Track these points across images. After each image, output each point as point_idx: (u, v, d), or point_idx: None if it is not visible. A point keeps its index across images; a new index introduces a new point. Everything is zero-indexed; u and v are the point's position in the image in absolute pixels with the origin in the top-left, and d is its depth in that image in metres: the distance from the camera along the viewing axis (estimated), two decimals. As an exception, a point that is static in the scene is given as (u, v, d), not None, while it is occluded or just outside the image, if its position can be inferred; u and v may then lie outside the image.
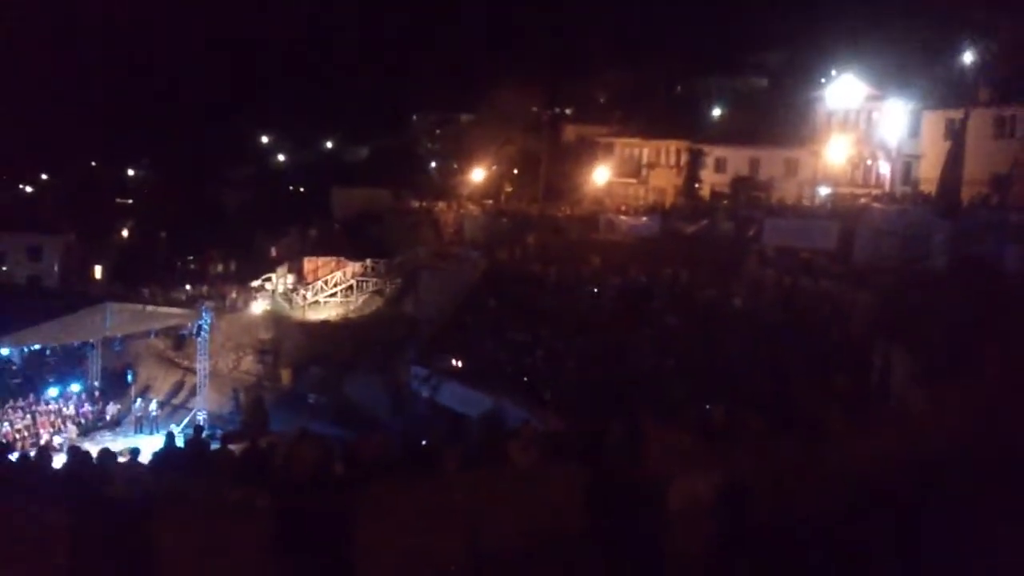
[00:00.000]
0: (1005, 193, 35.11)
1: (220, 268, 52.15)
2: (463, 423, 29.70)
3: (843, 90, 50.16)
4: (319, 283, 48.94)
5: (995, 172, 36.85)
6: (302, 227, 58.01)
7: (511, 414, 26.87)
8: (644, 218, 46.68)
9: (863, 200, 42.72)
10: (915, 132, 45.46)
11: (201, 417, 34.54)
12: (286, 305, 47.56)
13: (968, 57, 45.73)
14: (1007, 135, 39.24)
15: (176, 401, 39.86)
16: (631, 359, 31.15)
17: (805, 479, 10.07)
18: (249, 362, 43.04)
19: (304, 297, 48.02)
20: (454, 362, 35.88)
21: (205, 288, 48.42)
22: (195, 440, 14.63)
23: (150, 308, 37.74)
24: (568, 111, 71.97)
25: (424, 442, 12.41)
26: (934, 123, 43.47)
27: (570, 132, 67.89)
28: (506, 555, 8.66)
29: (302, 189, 74.94)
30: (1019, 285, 23.70)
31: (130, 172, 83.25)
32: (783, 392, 21.02)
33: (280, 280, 49.80)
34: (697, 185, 54.99)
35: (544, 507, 9.14)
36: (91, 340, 36.72)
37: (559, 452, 10.61)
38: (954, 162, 32.58)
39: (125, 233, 68.67)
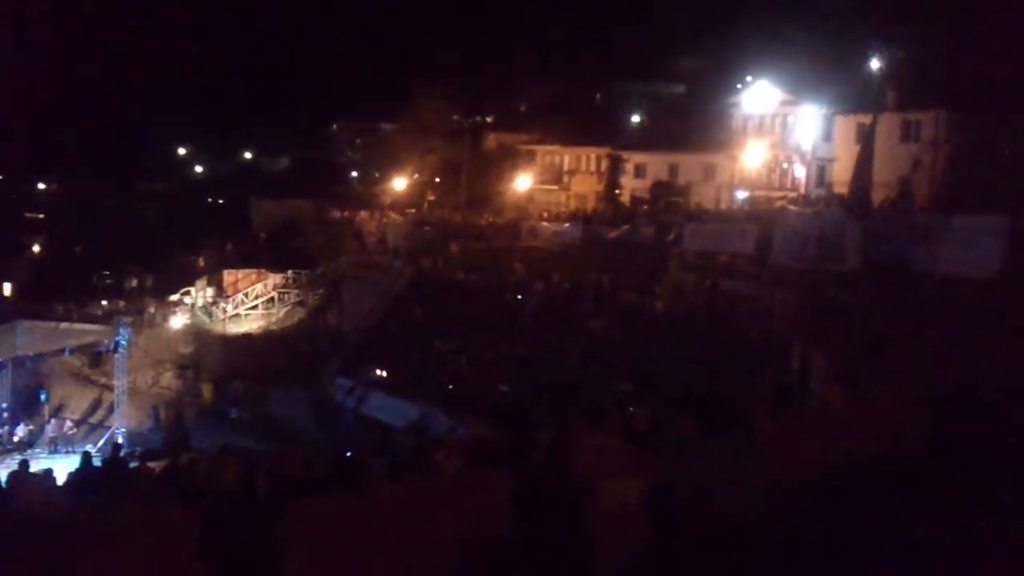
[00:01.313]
0: (910, 195, 36.22)
1: (137, 283, 50.92)
2: (389, 434, 29.46)
3: (758, 96, 51.16)
4: (240, 296, 48.17)
5: (902, 175, 38.00)
6: (222, 239, 57.09)
7: (437, 423, 26.73)
8: (566, 224, 47.00)
9: (779, 203, 43.65)
10: (828, 136, 46.62)
11: (119, 435, 33.66)
12: (206, 319, 46.71)
13: (876, 63, 47.07)
14: (912, 139, 40.51)
15: (93, 420, 38.74)
16: (556, 365, 31.29)
17: (731, 479, 10.20)
18: (169, 378, 42.10)
19: (224, 310, 47.21)
20: (379, 372, 35.62)
21: (122, 303, 47.24)
22: (113, 459, 14.30)
23: (64, 325, 36.66)
24: (489, 119, 72.22)
25: (349, 454, 12.31)
26: (846, 127, 44.66)
27: (491, 140, 68.15)
28: (436, 565, 8.60)
29: (221, 201, 73.70)
30: (926, 285, 24.39)
31: (40, 186, 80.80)
32: (708, 393, 21.30)
33: (200, 293, 48.88)
34: (618, 191, 55.58)
35: (473, 515, 9.09)
36: (0, 360, 35.49)
37: (486, 460, 10.60)
38: (864, 165, 33.40)
39: (36, 248, 66.66)
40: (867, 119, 40.11)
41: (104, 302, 47.12)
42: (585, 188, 59.72)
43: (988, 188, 30.80)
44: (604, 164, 57.90)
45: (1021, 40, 38.45)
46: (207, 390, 41.00)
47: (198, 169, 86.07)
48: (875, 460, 10.78)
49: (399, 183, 65.11)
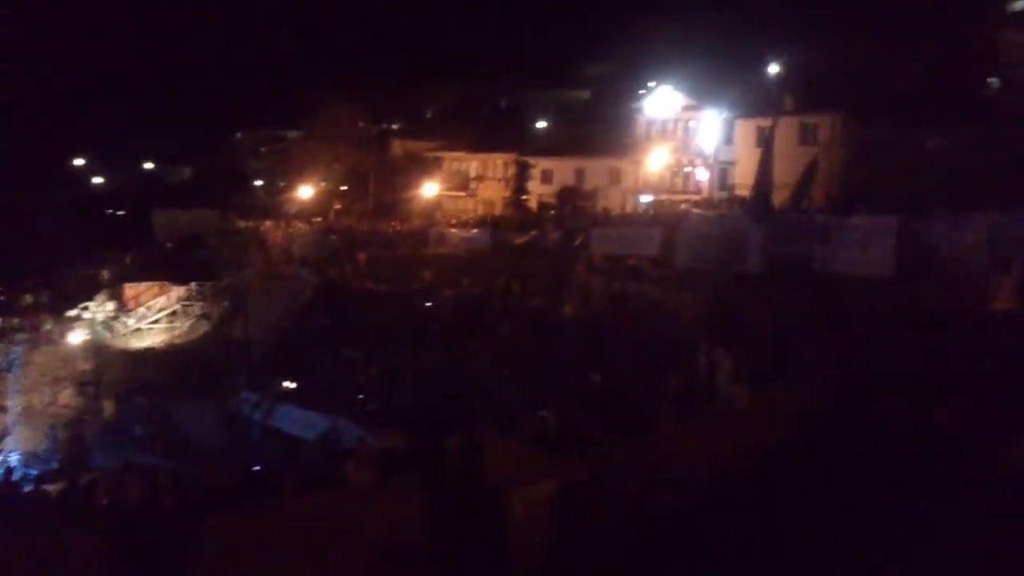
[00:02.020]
0: (805, 195, 37.17)
1: (32, 298, 49.15)
2: (299, 446, 29.05)
3: (661, 101, 52.06)
4: (142, 309, 46.96)
5: (800, 177, 38.97)
6: (122, 252, 55.55)
7: (348, 433, 26.45)
8: (474, 231, 47.03)
9: (683, 206, 44.39)
10: (729, 140, 47.71)
11: (13, 458, 32.45)
12: (107, 334, 45.39)
13: (774, 69, 48.31)
14: (810, 141, 41.69)
15: (-14, 443, 37.29)
16: (467, 371, 31.24)
17: (639, 479, 10.30)
18: (68, 396, 40.75)
19: (126, 325, 45.97)
20: (287, 384, 35.07)
21: (16, 320, 45.55)
22: (4, 483, 13.77)
23: (-48, 345, 35.30)
24: (395, 126, 71.91)
25: (258, 468, 12.09)
26: (746, 131, 45.75)
27: (398, 147, 67.85)
28: (349, 577, 8.50)
29: (121, 212, 71.71)
30: (826, 283, 25.04)
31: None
32: (616, 395, 21.48)
33: (99, 308, 47.45)
34: (525, 196, 55.89)
35: (386, 526, 9.00)
36: None
37: (397, 469, 10.50)
38: (765, 168, 34.17)
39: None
40: (766, 123, 41.11)
41: (-3, 319, 45.35)
42: (492, 194, 59.92)
43: (881, 189, 31.85)
44: (511, 170, 58.17)
45: (909, 46, 39.99)
46: (109, 407, 39.84)
47: (96, 180, 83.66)
48: (779, 454, 11.00)
49: (305, 192, 64.36)
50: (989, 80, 41.81)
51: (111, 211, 73.10)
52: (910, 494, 8.95)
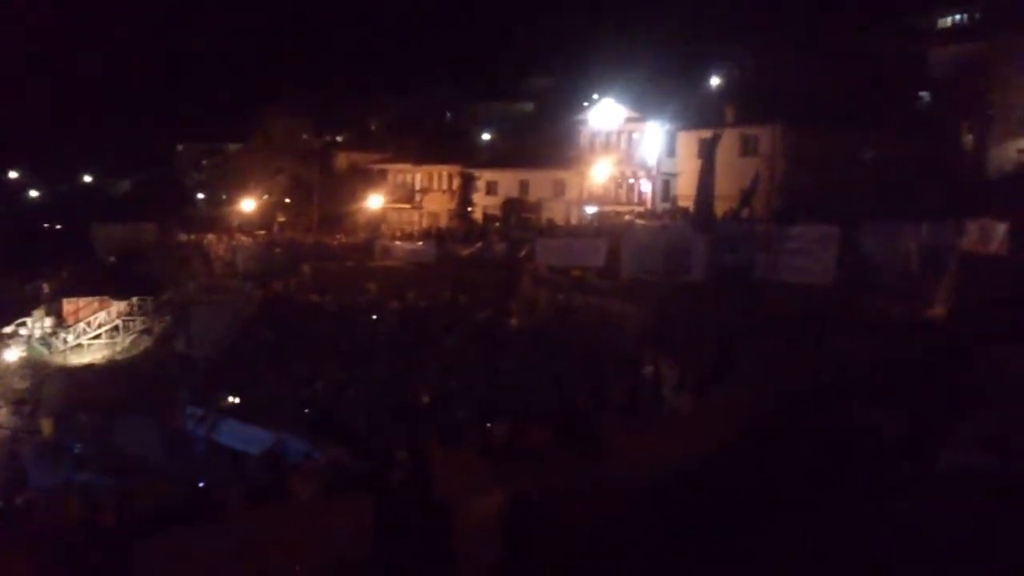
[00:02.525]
0: (747, 205, 37.75)
1: (-37, 315, 48.07)
2: (244, 462, 28.67)
3: (604, 113, 52.45)
4: (81, 325, 46.09)
5: (742, 187, 39.57)
6: (60, 266, 54.50)
7: (294, 448, 26.15)
8: (420, 243, 46.92)
9: (627, 217, 44.77)
10: (672, 151, 48.18)
11: (-52, 479, 31.61)
12: (45, 350, 44.46)
13: (715, 81, 49.05)
14: (751, 152, 42.32)
15: (-82, 465, 36.25)
16: (413, 384, 31.13)
17: (588, 488, 10.35)
18: (3, 414, 39.82)
19: (65, 341, 45.08)
20: (231, 399, 34.61)
21: (-52, 338, 44.53)
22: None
23: None
24: (340, 138, 71.59)
25: (203, 484, 11.94)
26: (688, 143, 46.24)
27: (342, 159, 67.57)
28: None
29: (59, 226, 70.39)
30: (768, 291, 25.42)
31: None
32: (563, 406, 21.57)
33: (37, 324, 46.47)
34: (470, 208, 55.91)
35: (333, 541, 8.95)
36: None
37: (344, 483, 10.47)
38: (707, 179, 34.60)
39: None
40: (708, 135, 41.67)
41: (-74, 338, 44.29)
42: (437, 206, 59.89)
43: (821, 199, 32.44)
44: (456, 182, 58.18)
45: (844, 60, 40.87)
46: (47, 425, 38.90)
47: (33, 194, 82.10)
48: (725, 460, 11.12)
49: (248, 204, 63.71)
50: (920, 94, 42.86)
51: (48, 225, 71.76)
52: (851, 495, 9.11)
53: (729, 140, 41.67)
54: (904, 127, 38.00)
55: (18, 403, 40.24)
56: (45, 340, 45.27)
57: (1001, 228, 21.66)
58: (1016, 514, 7.38)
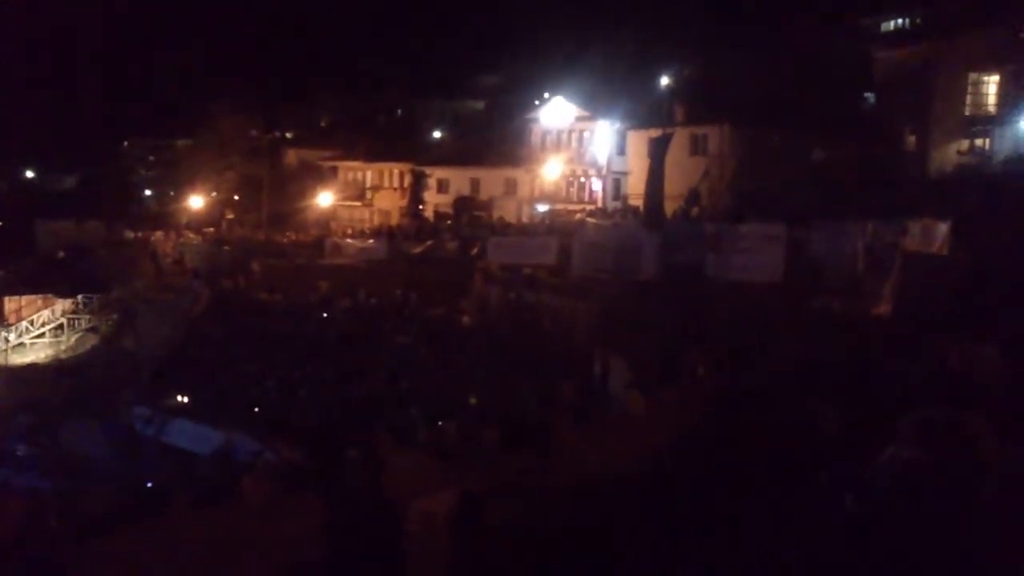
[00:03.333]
0: (695, 204, 38.18)
1: (-99, 314, 46.95)
2: (194, 462, 28.39)
3: (555, 111, 52.66)
4: (24, 324, 45.28)
5: (691, 186, 39.99)
6: (1, 264, 53.42)
7: (244, 448, 25.95)
8: (371, 241, 46.72)
9: (578, 216, 44.99)
10: (622, 150, 48.52)
11: None
12: (-15, 350, 43.67)
13: (665, 80, 49.43)
14: (700, 152, 42.77)
15: None
16: (364, 383, 31.04)
17: (539, 488, 10.42)
18: (-58, 416, 38.99)
19: (7, 340, 44.25)
20: (180, 398, 34.24)
21: None
22: None
23: None
24: (289, 135, 71.06)
25: (151, 485, 11.84)
26: (638, 141, 46.54)
27: (292, 156, 67.08)
28: (244, 596, 8.38)
29: (0, 223, 68.93)
30: (717, 290, 25.74)
31: None
32: (514, 404, 21.67)
33: (-24, 323, 45.64)
34: (421, 206, 55.79)
35: (284, 542, 8.91)
36: None
37: (295, 483, 10.43)
38: (656, 177, 34.92)
39: None
40: (658, 133, 42.01)
41: None
42: (389, 204, 59.71)
43: (769, 198, 32.91)
44: (407, 180, 58.04)
45: (792, 61, 41.45)
46: (-12, 427, 38.25)
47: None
48: (673, 458, 11.25)
49: (196, 201, 63.02)
50: (865, 95, 43.62)
51: (-13, 221, 70.28)
52: (795, 494, 9.27)
53: (679, 139, 42.05)
54: (850, 128, 38.66)
55: (-42, 404, 39.43)
56: (-14, 339, 44.46)
57: (943, 228, 22.16)
58: (953, 507, 7.58)
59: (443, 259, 41.10)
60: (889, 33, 46.70)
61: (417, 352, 32.67)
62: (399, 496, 9.46)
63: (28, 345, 44.61)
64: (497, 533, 9.67)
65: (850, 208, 26.99)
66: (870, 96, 43.40)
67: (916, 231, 23.37)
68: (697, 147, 43.15)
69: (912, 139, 38.74)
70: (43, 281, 48.94)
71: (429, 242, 43.56)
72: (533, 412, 16.17)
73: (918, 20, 45.20)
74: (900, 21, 47.01)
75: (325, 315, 38.29)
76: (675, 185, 38.90)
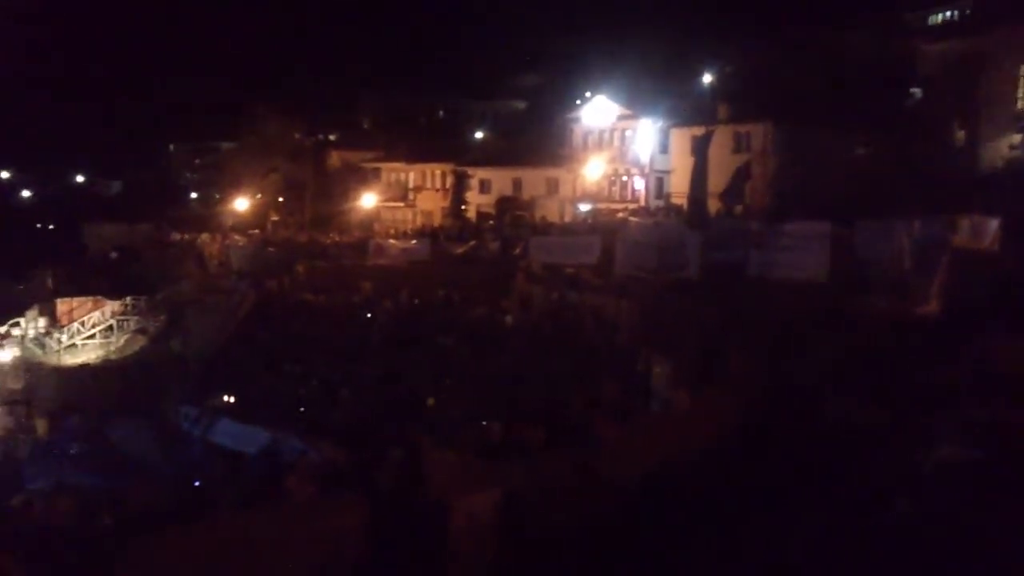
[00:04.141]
0: (738, 202, 37.85)
1: (-42, 315, 47.87)
2: (239, 461, 28.69)
3: (597, 110, 52.50)
4: (75, 325, 45.96)
5: (734, 184, 39.66)
6: (53, 266, 54.39)
7: (289, 448, 26.16)
8: (413, 241, 46.88)
9: (621, 215, 44.84)
10: (665, 148, 48.25)
11: (-57, 480, 31.59)
12: (38, 351, 44.34)
13: (708, 78, 49.12)
14: (744, 149, 42.41)
15: (-89, 467, 36.17)
16: (407, 383, 31.15)
17: (580, 486, 10.40)
18: (-2, 415, 39.77)
19: (59, 341, 44.97)
20: (227, 398, 34.61)
21: (-59, 339, 44.36)
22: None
23: None
24: (332, 137, 71.49)
25: (198, 484, 11.98)
26: (681, 140, 46.31)
27: (335, 158, 67.50)
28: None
29: (52, 227, 70.22)
30: (760, 289, 25.51)
31: None
32: (556, 404, 21.65)
33: (30, 324, 46.33)
34: (463, 206, 55.92)
35: (328, 540, 8.98)
36: None
37: (339, 482, 10.51)
38: (700, 176, 34.71)
39: None
40: (701, 131, 41.74)
41: (-79, 338, 44.12)
42: (431, 205, 59.88)
43: (813, 195, 32.55)
44: (449, 180, 58.19)
45: (835, 57, 40.96)
46: (41, 426, 38.86)
47: (25, 193, 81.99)
48: (716, 456, 11.19)
49: (241, 204, 63.64)
50: (912, 91, 42.97)
51: (40, 225, 71.60)
52: (839, 491, 9.19)
53: (722, 137, 41.76)
54: (896, 124, 38.11)
55: (12, 403, 40.16)
56: (39, 340, 45.17)
57: (993, 224, 21.79)
58: (1003, 505, 7.47)
59: (485, 259, 41.13)
60: (936, 26, 45.95)
61: (460, 352, 32.72)
62: (442, 495, 9.50)
63: (79, 346, 45.30)
64: (541, 532, 9.67)
65: (895, 205, 26.62)
66: (916, 91, 42.74)
67: (965, 228, 23.00)
68: (740, 145, 42.76)
69: (961, 134, 38.12)
70: (93, 283, 49.73)
71: (472, 242, 43.62)
72: (576, 412, 16.12)
73: (967, 12, 44.41)
74: (947, 14, 46.21)
75: (368, 315, 38.47)
76: (718, 183, 38.64)
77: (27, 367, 42.28)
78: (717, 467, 10.71)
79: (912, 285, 22.43)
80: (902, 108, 41.89)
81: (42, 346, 44.73)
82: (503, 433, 12.67)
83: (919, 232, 24.01)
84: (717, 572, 8.89)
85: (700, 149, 38.09)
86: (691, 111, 45.74)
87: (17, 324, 46.23)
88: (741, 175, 38.18)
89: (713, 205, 37.80)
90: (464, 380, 29.92)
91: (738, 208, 37.50)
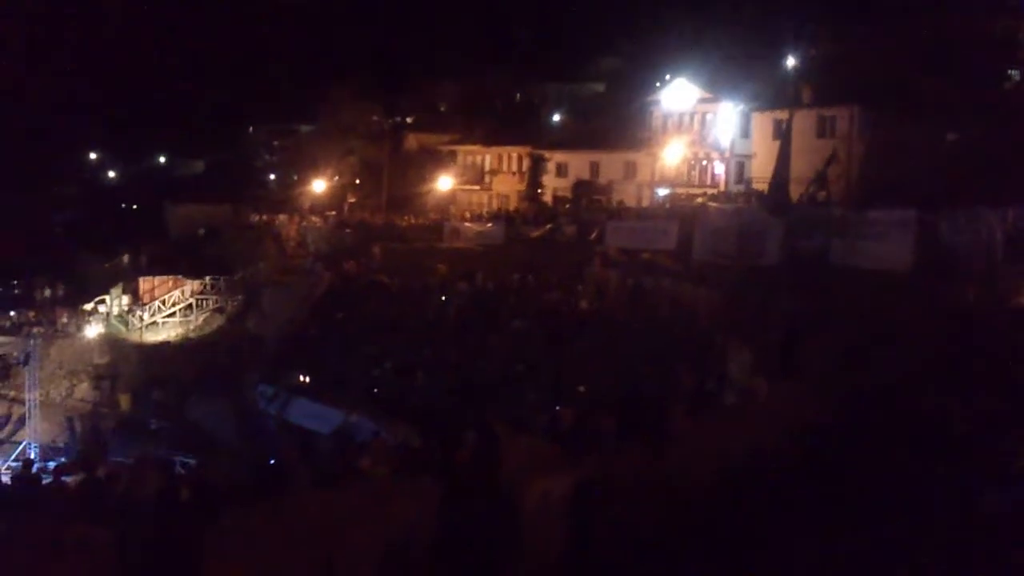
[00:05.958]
0: (823, 188, 36.98)
1: (48, 292, 49.30)
2: (313, 440, 29.09)
3: (677, 93, 51.80)
4: (156, 303, 47.09)
5: (818, 170, 38.80)
6: (136, 246, 55.75)
7: (362, 428, 26.47)
8: (489, 224, 46.96)
9: (700, 200, 44.21)
10: (746, 133, 47.43)
11: (32, 450, 32.66)
12: (122, 328, 45.56)
13: (791, 61, 48.06)
14: (828, 134, 41.42)
15: (2, 435, 37.48)
16: (481, 366, 31.22)
17: (654, 477, 10.23)
18: (84, 389, 40.92)
19: (141, 318, 46.11)
20: (302, 378, 35.13)
21: (32, 314, 45.74)
22: (23, 475, 13.76)
23: (-30, 337, 35.49)
24: (409, 120, 71.85)
25: (273, 462, 12.06)
26: (763, 124, 45.45)
27: (412, 141, 67.82)
28: (363, 574, 8.45)
29: (135, 206, 71.92)
30: (842, 277, 24.94)
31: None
32: (631, 391, 21.44)
33: (115, 302, 47.60)
34: (540, 190, 55.77)
35: (400, 522, 8.96)
36: None
37: (412, 464, 10.48)
38: (782, 161, 34.02)
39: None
40: (784, 115, 40.90)
41: (13, 313, 45.56)
42: (507, 188, 59.83)
43: (899, 182, 31.66)
44: (525, 164, 58.07)
45: (927, 39, 39.68)
46: (125, 401, 40.02)
47: (111, 174, 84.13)
48: (793, 451, 10.92)
49: (318, 185, 64.36)
50: (1009, 73, 41.43)
51: (124, 205, 73.40)
52: (924, 493, 8.88)
53: (806, 122, 40.87)
54: (990, 108, 36.80)
55: (98, 378, 41.34)
56: (122, 318, 46.37)
57: (1092, 213, 20.93)
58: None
59: (561, 243, 41.00)
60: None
61: (534, 336, 32.66)
62: (515, 479, 9.41)
63: (160, 324, 46.36)
64: (611, 519, 9.53)
65: (989, 193, 25.74)
66: (1015, 73, 41.20)
67: (1061, 217, 22.14)
68: (825, 129, 41.77)
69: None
70: (173, 262, 50.83)
71: (547, 226, 43.51)
72: (650, 399, 15.90)
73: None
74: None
75: (443, 298, 38.65)
76: (801, 169, 37.81)
77: (111, 343, 43.45)
78: (800, 462, 10.44)
79: (1003, 276, 21.68)
80: (999, 91, 40.45)
81: (125, 323, 45.94)
82: (576, 420, 12.50)
83: (1013, 221, 23.21)
84: (796, 573, 8.65)
85: (783, 133, 37.30)
86: (774, 94, 44.80)
87: (103, 301, 47.54)
88: (828, 161, 37.26)
89: (795, 191, 37.01)
90: (537, 365, 29.89)
91: (821, 194, 36.66)
